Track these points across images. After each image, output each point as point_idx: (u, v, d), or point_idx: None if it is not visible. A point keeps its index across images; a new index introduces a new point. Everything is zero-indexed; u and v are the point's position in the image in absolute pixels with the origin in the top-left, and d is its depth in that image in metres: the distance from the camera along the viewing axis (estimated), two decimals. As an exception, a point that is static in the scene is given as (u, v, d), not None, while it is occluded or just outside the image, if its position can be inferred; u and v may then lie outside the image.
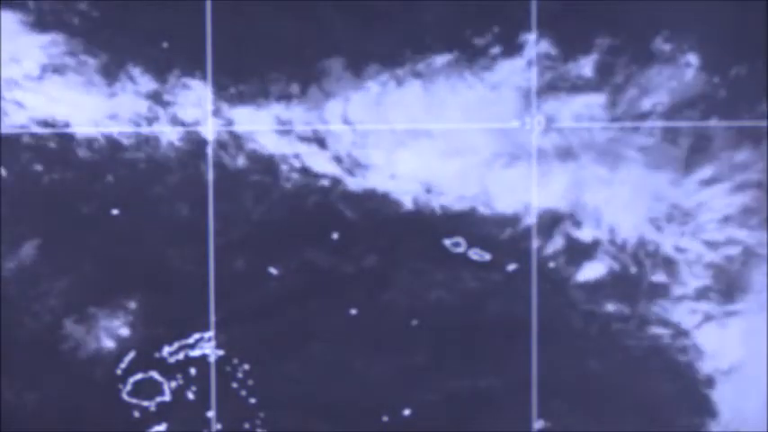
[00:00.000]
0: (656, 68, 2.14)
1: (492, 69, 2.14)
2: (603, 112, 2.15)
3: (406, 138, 2.16)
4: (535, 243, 2.17)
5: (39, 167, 2.12)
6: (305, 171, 2.16)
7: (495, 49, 2.14)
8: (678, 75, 2.14)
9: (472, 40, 2.13)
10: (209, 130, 2.14)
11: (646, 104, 2.15)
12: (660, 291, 2.19)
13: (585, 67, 2.14)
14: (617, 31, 2.14)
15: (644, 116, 2.15)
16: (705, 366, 2.20)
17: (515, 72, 2.14)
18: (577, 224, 2.18)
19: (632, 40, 2.14)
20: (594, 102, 2.15)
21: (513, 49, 2.14)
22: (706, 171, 2.16)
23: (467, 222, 2.17)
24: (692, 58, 2.14)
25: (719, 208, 2.17)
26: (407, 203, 2.17)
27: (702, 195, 2.17)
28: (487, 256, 2.17)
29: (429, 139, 2.16)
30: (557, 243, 2.18)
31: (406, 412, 2.19)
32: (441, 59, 2.14)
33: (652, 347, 2.19)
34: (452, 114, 2.15)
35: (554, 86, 2.13)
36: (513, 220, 2.17)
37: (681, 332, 2.19)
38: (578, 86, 2.15)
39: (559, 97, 2.15)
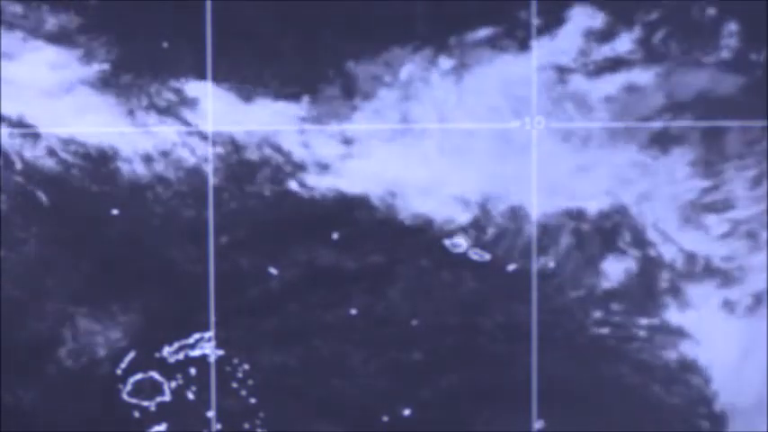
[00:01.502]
0: (696, 47, 2.12)
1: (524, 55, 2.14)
2: (630, 96, 2.15)
3: (407, 137, 2.16)
4: (536, 243, 2.17)
5: (39, 168, 2.12)
6: (305, 170, 2.16)
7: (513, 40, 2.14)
8: (717, 60, 2.13)
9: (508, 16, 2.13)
10: (210, 130, 2.14)
11: (680, 92, 2.14)
12: (671, 294, 2.18)
13: (624, 45, 2.12)
14: (657, 8, 2.13)
15: (675, 105, 2.15)
16: (709, 369, 2.20)
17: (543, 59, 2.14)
18: (581, 223, 2.18)
19: (673, 18, 2.11)
20: (625, 84, 2.14)
21: (519, 44, 2.14)
22: (726, 167, 2.15)
23: (467, 222, 2.17)
24: (734, 29, 2.11)
25: (743, 207, 2.17)
26: (407, 203, 2.17)
27: (723, 193, 2.16)
28: (487, 256, 2.17)
29: (430, 139, 2.16)
30: (558, 243, 2.18)
31: (406, 412, 2.19)
32: (472, 36, 2.14)
33: (654, 349, 2.19)
34: (461, 111, 2.15)
35: (581, 70, 2.13)
36: (514, 220, 2.17)
37: (688, 336, 2.19)
38: (610, 68, 2.14)
39: (582, 81, 2.15)
